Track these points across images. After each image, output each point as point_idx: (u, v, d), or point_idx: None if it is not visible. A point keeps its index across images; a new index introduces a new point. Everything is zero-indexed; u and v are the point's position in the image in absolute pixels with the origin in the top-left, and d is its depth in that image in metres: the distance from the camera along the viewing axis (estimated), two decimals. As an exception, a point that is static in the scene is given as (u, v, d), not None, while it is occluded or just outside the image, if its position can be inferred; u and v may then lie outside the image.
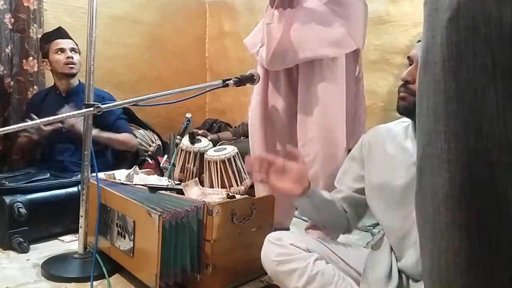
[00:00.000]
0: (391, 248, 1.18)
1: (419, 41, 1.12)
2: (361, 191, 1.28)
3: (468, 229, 0.47)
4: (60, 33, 2.36)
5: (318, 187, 1.31)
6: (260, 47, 1.71)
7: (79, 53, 2.35)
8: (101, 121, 2.20)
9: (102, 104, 1.40)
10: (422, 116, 0.52)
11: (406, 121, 1.19)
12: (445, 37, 0.47)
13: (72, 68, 2.31)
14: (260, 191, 1.80)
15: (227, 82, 1.54)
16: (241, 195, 1.67)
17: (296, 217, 1.84)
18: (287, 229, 1.84)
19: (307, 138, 1.65)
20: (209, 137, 2.62)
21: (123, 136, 2.41)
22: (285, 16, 1.60)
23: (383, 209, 1.18)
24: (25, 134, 2.24)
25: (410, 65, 1.11)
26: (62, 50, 2.30)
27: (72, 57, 2.30)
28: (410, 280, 1.12)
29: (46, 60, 2.35)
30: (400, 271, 1.14)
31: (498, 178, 0.46)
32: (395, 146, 1.17)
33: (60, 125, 2.19)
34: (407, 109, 1.09)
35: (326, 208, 1.28)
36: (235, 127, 2.91)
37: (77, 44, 2.36)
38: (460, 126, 0.47)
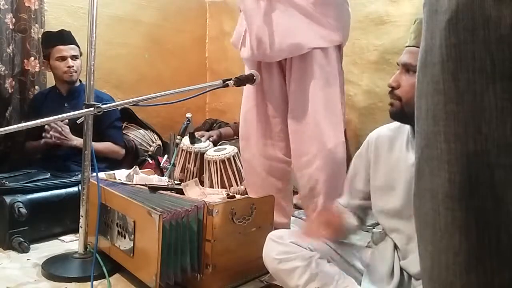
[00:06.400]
0: (395, 246, 1.18)
1: (407, 46, 1.13)
2: (369, 194, 1.28)
3: (467, 229, 0.47)
4: (62, 38, 2.31)
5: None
6: (242, 39, 1.64)
7: (81, 55, 2.32)
8: (95, 125, 2.11)
9: (102, 104, 1.40)
10: (420, 117, 0.52)
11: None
12: (444, 38, 0.48)
13: (71, 76, 2.30)
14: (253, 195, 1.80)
15: (227, 82, 1.54)
16: (241, 195, 1.67)
17: (294, 216, 1.84)
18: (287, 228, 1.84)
19: (307, 151, 1.62)
20: (210, 138, 2.60)
21: (111, 149, 2.33)
22: (262, 2, 1.56)
23: (386, 213, 1.18)
24: (46, 141, 2.19)
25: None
26: (63, 58, 2.27)
27: (72, 66, 2.28)
28: (412, 279, 1.12)
29: (47, 61, 2.34)
30: (402, 269, 1.14)
31: (497, 179, 0.46)
32: (398, 149, 1.17)
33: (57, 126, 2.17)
34: (395, 114, 1.10)
35: (352, 229, 1.30)
36: (235, 123, 2.89)
37: (79, 47, 2.32)
38: (460, 127, 0.47)
